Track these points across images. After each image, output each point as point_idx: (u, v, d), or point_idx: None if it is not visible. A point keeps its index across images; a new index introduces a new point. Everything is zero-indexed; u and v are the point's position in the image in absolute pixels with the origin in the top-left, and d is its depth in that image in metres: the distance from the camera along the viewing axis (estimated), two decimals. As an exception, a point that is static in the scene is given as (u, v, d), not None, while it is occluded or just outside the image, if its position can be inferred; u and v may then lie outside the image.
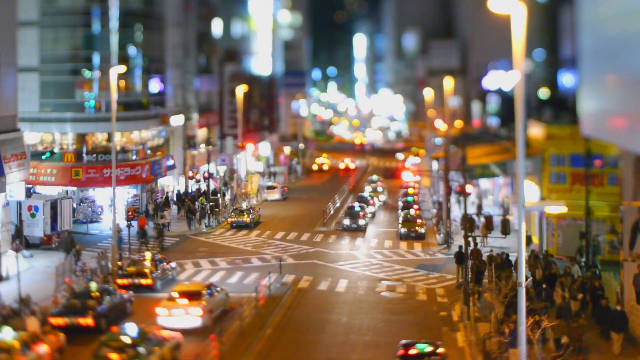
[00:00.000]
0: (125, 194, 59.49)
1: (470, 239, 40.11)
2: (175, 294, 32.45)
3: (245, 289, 38.37)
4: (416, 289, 40.03)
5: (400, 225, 55.58)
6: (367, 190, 73.32)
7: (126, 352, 25.31)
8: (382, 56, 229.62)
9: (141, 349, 25.62)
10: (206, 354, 27.48)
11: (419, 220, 55.64)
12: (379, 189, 76.24)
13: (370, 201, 66.58)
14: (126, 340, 25.84)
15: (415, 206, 63.76)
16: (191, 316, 31.32)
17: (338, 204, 69.13)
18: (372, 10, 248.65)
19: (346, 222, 57.77)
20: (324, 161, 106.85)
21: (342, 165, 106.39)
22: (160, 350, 26.39)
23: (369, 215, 62.19)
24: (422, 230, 54.46)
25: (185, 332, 30.17)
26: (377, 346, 30.65)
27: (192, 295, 32.02)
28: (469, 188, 54.55)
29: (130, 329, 26.66)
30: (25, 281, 38.12)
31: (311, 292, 39.26)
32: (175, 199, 63.54)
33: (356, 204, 61.72)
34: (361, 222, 57.60)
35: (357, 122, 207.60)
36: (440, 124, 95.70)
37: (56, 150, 58.04)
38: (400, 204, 66.68)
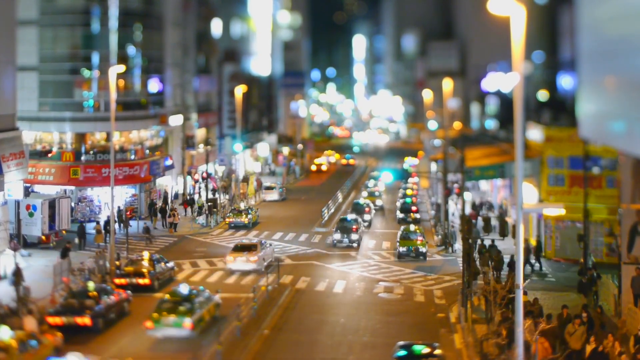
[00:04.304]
0: (124, 193, 59.48)
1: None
2: (238, 247, 43.44)
3: (243, 289, 38.38)
4: (414, 290, 40.02)
5: (398, 244, 48.67)
6: (362, 196, 72.25)
7: (184, 305, 30.90)
8: (381, 57, 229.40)
9: (196, 301, 31.52)
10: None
11: (420, 238, 48.79)
12: (377, 193, 73.99)
13: (366, 208, 61.59)
14: (184, 294, 31.79)
15: (414, 207, 63.47)
16: (250, 262, 42.40)
17: (333, 210, 68.42)
18: (371, 11, 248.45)
19: (337, 236, 51.14)
20: (322, 161, 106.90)
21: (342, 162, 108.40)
22: (207, 306, 32.34)
23: (364, 225, 57.58)
24: (424, 250, 47.89)
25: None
26: (374, 347, 30.64)
27: (250, 248, 43.27)
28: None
29: (184, 288, 32.43)
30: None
31: (309, 292, 39.24)
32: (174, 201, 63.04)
33: (349, 216, 55.50)
34: (354, 236, 51.05)
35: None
36: (434, 126, 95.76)
37: (55, 149, 58.01)
38: (399, 204, 66.35)
